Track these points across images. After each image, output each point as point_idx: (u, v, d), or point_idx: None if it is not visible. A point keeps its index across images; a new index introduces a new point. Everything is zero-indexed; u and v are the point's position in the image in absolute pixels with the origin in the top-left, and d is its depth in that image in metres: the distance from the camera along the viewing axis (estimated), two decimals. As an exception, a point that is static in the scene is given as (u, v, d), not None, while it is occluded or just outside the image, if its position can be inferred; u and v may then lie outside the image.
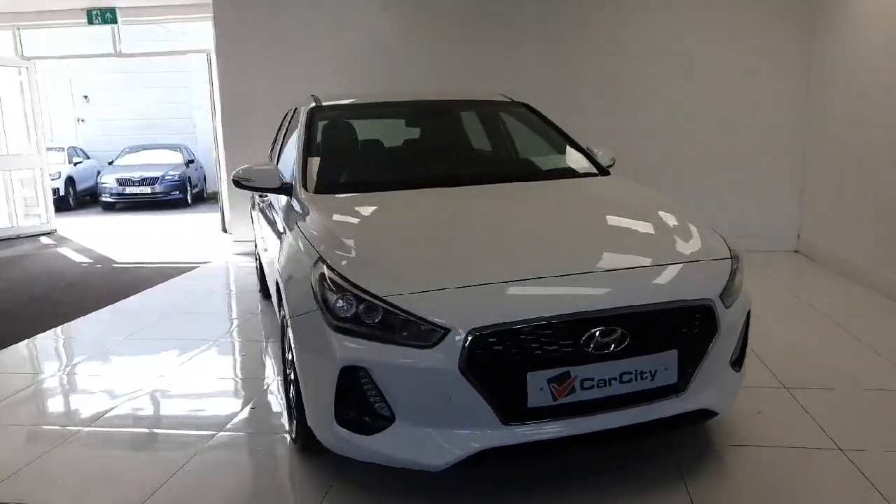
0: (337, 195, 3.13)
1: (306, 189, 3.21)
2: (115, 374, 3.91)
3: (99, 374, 3.92)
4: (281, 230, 3.39)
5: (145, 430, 3.17)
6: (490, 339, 2.20)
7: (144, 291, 5.86)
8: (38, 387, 3.75)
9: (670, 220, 2.87)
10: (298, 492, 2.64)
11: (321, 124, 3.71)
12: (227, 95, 7.09)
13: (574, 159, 3.68)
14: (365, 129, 3.90)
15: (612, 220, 2.85)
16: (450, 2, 6.66)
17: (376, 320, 2.29)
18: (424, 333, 2.23)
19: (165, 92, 18.55)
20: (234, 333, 4.59)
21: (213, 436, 3.05)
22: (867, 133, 5.32)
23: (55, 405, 3.58)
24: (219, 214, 9.61)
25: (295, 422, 2.77)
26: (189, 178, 15.72)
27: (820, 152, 6.20)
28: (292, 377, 2.84)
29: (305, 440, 2.75)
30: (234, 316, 5.08)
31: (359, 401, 2.34)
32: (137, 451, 2.99)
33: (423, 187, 3.23)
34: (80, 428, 3.18)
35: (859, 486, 2.50)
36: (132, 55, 9.42)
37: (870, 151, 5.29)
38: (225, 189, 8.92)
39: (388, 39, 6.79)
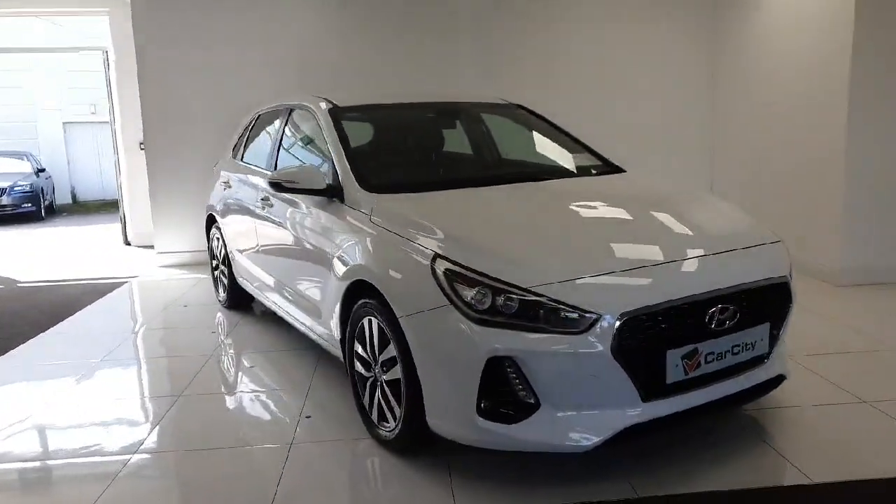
0: (401, 194, 3.12)
1: (366, 189, 3.17)
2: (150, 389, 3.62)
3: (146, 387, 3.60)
4: (321, 232, 3.32)
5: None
6: (637, 322, 2.35)
7: (84, 310, 5.37)
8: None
9: (725, 208, 3.16)
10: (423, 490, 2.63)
11: (345, 125, 3.65)
12: (149, 99, 6.63)
13: (588, 158, 3.89)
14: (388, 131, 3.88)
15: (679, 210, 3.09)
16: (383, 3, 6.68)
17: (518, 310, 2.36)
18: (573, 320, 2.33)
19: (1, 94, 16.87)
20: (231, 345, 4.36)
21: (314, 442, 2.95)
22: (770, 135, 6.04)
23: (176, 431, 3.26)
24: (116, 226, 8.93)
25: (399, 423, 2.74)
26: (42, 188, 14.40)
27: (727, 153, 6.90)
28: (381, 378, 2.82)
29: (409, 441, 2.75)
30: (216, 330, 4.81)
31: (503, 391, 2.40)
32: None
33: (472, 186, 3.30)
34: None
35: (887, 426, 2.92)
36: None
37: (772, 152, 6.01)
38: (128, 200, 8.34)
39: (323, 40, 6.69)
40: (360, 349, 3.00)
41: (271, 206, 3.99)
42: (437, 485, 2.62)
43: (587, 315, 2.33)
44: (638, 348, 2.36)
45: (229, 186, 4.86)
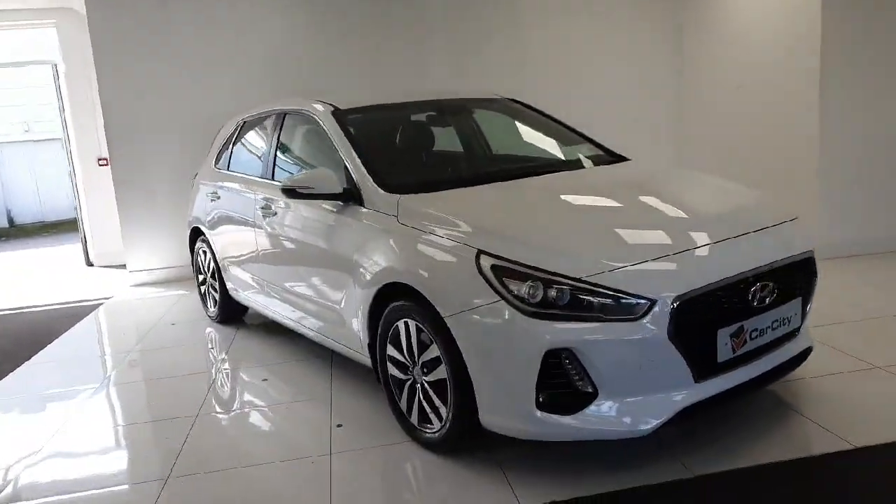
0: (425, 194, 3.09)
1: (387, 191, 3.13)
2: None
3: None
4: (338, 238, 3.28)
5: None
6: (690, 305, 2.39)
7: (65, 335, 5.15)
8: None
9: (743, 190, 3.24)
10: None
11: (352, 128, 3.59)
12: (111, 111, 6.39)
13: (590, 148, 3.94)
14: (394, 131, 3.84)
15: (704, 193, 3.15)
16: (348, 4, 6.61)
17: (572, 301, 2.37)
18: (629, 307, 2.36)
19: None
20: (235, 360, 4.25)
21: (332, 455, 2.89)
22: (740, 120, 6.24)
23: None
24: (67, 247, 8.60)
25: (447, 423, 2.72)
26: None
27: (697, 139, 7.09)
28: (422, 380, 2.80)
29: (456, 440, 2.74)
30: (213, 346, 4.67)
31: (559, 382, 2.41)
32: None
33: (492, 181, 3.30)
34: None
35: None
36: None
37: (743, 137, 6.21)
38: (88, 219, 8.03)
39: (292, 45, 6.57)
40: (394, 352, 2.97)
41: (273, 214, 3.90)
42: (493, 480, 2.61)
43: (642, 301, 2.35)
44: (691, 330, 2.41)
45: (217, 197, 4.73)
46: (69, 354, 4.71)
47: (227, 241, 4.60)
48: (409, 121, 4.00)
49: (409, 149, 3.78)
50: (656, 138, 7.31)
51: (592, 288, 2.37)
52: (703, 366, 2.46)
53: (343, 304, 3.32)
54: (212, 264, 4.95)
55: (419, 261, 2.77)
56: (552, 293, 2.39)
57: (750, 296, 2.55)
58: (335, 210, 3.36)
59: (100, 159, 7.90)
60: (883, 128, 5.47)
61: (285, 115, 4.18)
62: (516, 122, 4.11)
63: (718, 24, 6.49)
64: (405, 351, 2.89)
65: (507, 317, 2.42)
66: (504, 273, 2.46)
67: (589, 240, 2.61)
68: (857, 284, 4.76)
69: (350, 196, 3.27)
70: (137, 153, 6.48)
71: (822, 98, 5.30)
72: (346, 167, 3.37)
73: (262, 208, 4.01)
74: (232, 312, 5.00)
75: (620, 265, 2.43)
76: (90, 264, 8.20)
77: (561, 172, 3.50)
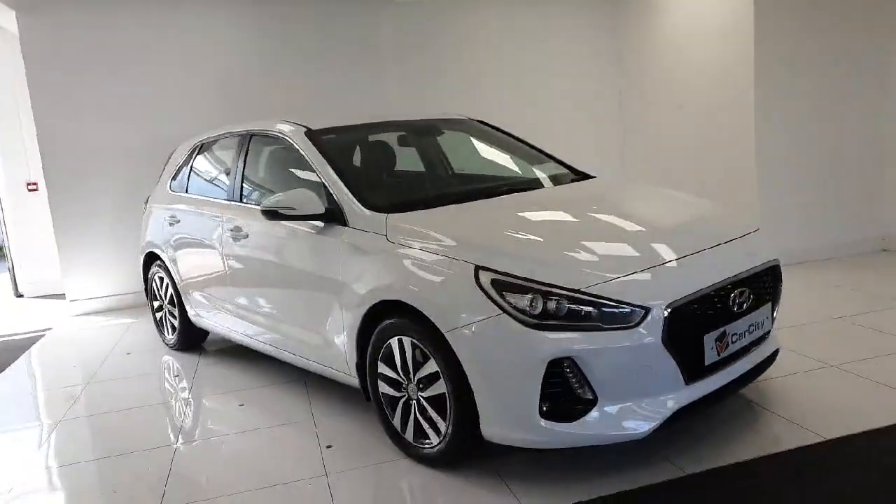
0: (412, 212, 3.14)
1: (373, 210, 3.17)
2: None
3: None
4: (320, 258, 3.29)
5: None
6: (681, 311, 2.54)
7: (9, 370, 4.90)
8: None
9: (709, 204, 3.45)
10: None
11: (327, 149, 3.62)
12: (47, 133, 6.14)
13: (558, 167, 4.08)
14: (366, 151, 3.89)
15: (675, 208, 3.33)
16: (301, 30, 6.61)
17: (571, 312, 2.47)
18: (625, 315, 2.48)
19: None
20: (204, 386, 4.15)
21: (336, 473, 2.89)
22: (679, 133, 6.60)
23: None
24: (1, 276, 8.16)
25: (446, 437, 2.77)
26: None
27: (638, 151, 7.41)
28: (417, 396, 2.84)
29: (455, 454, 2.79)
30: (178, 374, 4.54)
31: (560, 390, 2.50)
32: None
33: (472, 199, 3.38)
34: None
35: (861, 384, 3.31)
36: None
37: (683, 149, 6.56)
38: (16, 247, 7.66)
39: (238, 69, 6.51)
40: (386, 370, 3.00)
41: (245, 236, 3.86)
42: (496, 490, 2.67)
43: (638, 309, 2.48)
44: (681, 335, 2.55)
45: (176, 221, 4.64)
46: (16, 390, 4.48)
47: (190, 266, 4.51)
48: (381, 142, 4.05)
49: (384, 169, 3.83)
50: (602, 157, 7.59)
51: (592, 299, 2.48)
52: (693, 369, 2.61)
53: (327, 324, 3.32)
54: (170, 290, 4.83)
55: (415, 278, 2.82)
56: (551, 305, 2.49)
57: (730, 302, 2.72)
58: (315, 231, 3.36)
59: (29, 184, 7.58)
60: (816, 142, 5.89)
61: (251, 136, 4.16)
62: (483, 143, 4.22)
63: (657, 45, 6.84)
64: (399, 368, 2.93)
65: (509, 329, 2.50)
66: (504, 287, 2.55)
67: (579, 253, 2.71)
68: (801, 289, 5.07)
69: (332, 216, 3.28)
70: (77, 177, 6.25)
71: (756, 115, 5.67)
72: (325, 187, 3.38)
73: (232, 230, 3.96)
74: (192, 339, 4.89)
75: (614, 276, 2.56)
76: (20, 295, 7.80)
77: (538, 190, 3.62)
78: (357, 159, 3.82)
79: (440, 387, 2.74)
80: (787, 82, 5.72)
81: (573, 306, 2.48)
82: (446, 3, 6.95)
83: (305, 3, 6.59)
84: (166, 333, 5.03)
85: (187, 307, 4.67)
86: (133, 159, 6.30)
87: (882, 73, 5.97)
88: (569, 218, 3.19)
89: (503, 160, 4.09)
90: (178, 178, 4.91)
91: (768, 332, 3.02)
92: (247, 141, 4.18)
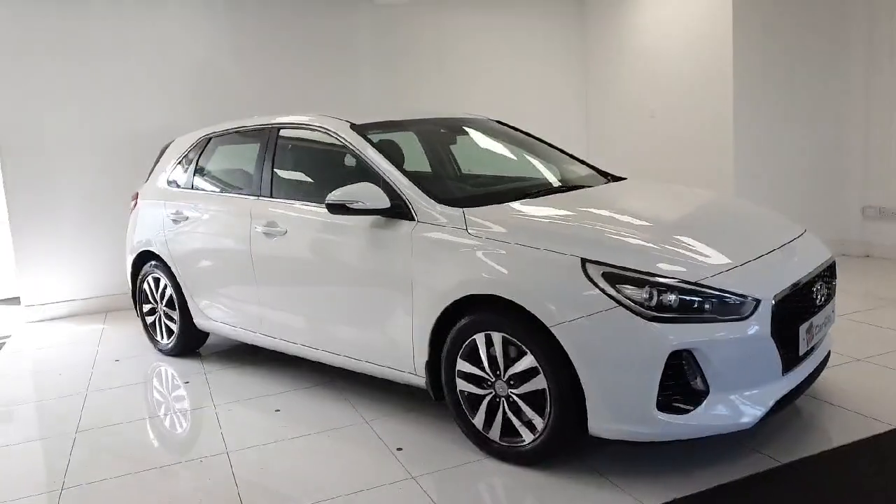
0: (487, 206, 3.09)
1: (445, 204, 3.10)
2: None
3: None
4: (384, 254, 3.18)
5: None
6: (784, 303, 2.63)
7: (-16, 380, 4.46)
8: None
9: (754, 205, 3.57)
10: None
11: (374, 144, 3.52)
12: (4, 127, 5.65)
13: (581, 166, 4.12)
14: (410, 146, 3.80)
15: (734, 205, 3.44)
16: (277, 26, 6.40)
17: (685, 304, 2.50)
18: (738, 307, 2.53)
19: None
20: (225, 393, 3.91)
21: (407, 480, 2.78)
22: (648, 138, 6.84)
23: None
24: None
25: (543, 433, 2.72)
26: None
27: (605, 157, 7.61)
28: (507, 393, 2.79)
29: (551, 451, 2.76)
30: (187, 380, 4.25)
31: (675, 383, 2.52)
32: None
33: (530, 196, 3.35)
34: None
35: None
36: None
37: (653, 158, 6.80)
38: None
39: (212, 64, 6.22)
40: (468, 367, 2.92)
41: (282, 233, 3.68)
42: (601, 486, 2.66)
43: (750, 301, 2.54)
44: (784, 326, 2.63)
45: (184, 218, 4.36)
46: (8, 400, 4.08)
47: (201, 265, 4.25)
48: (423, 137, 3.97)
49: (436, 164, 3.75)
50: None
51: (709, 291, 2.52)
52: (789, 359, 2.69)
53: (388, 322, 3.21)
54: (168, 292, 4.54)
55: (512, 272, 2.76)
56: (667, 297, 2.51)
57: (813, 294, 2.84)
58: (374, 226, 3.25)
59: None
60: (793, 152, 6.22)
61: (279, 130, 3.98)
62: (505, 143, 4.20)
63: (625, 55, 7.04)
64: (485, 365, 2.86)
65: (626, 322, 2.50)
66: (617, 280, 2.54)
67: (678, 246, 2.74)
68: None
69: (397, 211, 3.19)
70: (38, 174, 5.79)
71: (735, 125, 5.94)
72: (386, 182, 3.28)
73: (265, 226, 3.76)
74: (191, 344, 4.62)
75: (724, 269, 2.61)
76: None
77: (590, 188, 3.64)
78: (406, 154, 3.72)
79: (538, 383, 2.70)
80: (762, 91, 6.02)
81: (688, 298, 2.51)
82: (423, 5, 6.91)
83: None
84: (161, 338, 4.71)
85: (192, 309, 4.40)
86: (102, 156, 5.90)
87: (845, 82, 6.33)
88: (642, 214, 3.23)
89: (532, 159, 4.07)
90: (180, 173, 4.62)
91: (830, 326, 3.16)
92: (273, 135, 3.99)
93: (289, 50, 6.44)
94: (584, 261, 2.61)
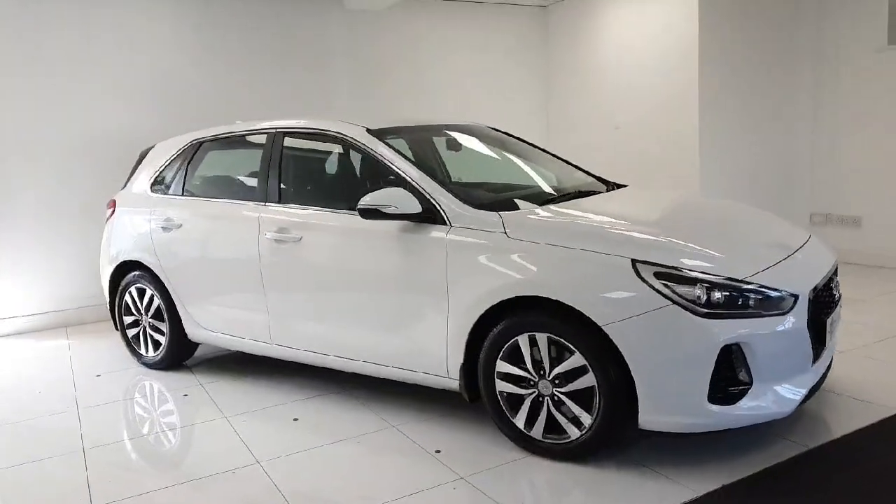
0: (516, 211, 3.16)
1: (479, 208, 3.14)
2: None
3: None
4: (416, 259, 3.19)
5: None
6: (817, 296, 2.82)
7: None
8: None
9: (759, 210, 3.79)
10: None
11: (395, 149, 3.53)
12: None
13: (586, 175, 4.26)
14: (425, 151, 3.82)
15: (747, 210, 3.63)
16: (247, 29, 6.27)
17: (732, 300, 2.65)
18: (779, 302, 2.70)
19: None
20: (233, 405, 3.79)
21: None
22: (605, 153, 7.10)
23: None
24: None
25: (590, 430, 2.80)
26: None
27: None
28: (552, 392, 2.86)
29: (596, 447, 2.84)
30: (186, 393, 4.08)
31: (724, 375, 2.66)
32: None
33: (555, 202, 3.44)
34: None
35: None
36: None
37: (617, 169, 7.05)
38: None
39: (179, 68, 6.02)
40: (509, 368, 2.97)
41: (296, 239, 3.62)
42: (649, 477, 2.75)
43: (790, 296, 2.71)
44: (815, 319, 2.82)
45: (176, 226, 4.20)
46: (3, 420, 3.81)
47: (198, 274, 4.11)
48: (435, 143, 4.00)
49: (457, 169, 3.79)
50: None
51: (755, 287, 2.67)
52: (817, 351, 2.88)
53: (419, 326, 3.22)
54: (155, 302, 4.36)
55: (561, 274, 2.83)
56: (716, 295, 2.64)
57: (832, 290, 3.05)
58: (403, 231, 3.25)
59: None
60: (750, 162, 6.58)
61: (284, 135, 3.92)
62: (503, 149, 4.28)
63: (588, 71, 7.29)
64: (529, 365, 2.92)
65: (680, 320, 2.61)
66: (669, 279, 2.66)
67: (714, 246, 2.88)
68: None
69: (427, 216, 3.20)
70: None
71: (700, 137, 6.25)
72: (414, 187, 3.29)
73: (277, 232, 3.69)
74: (181, 356, 4.46)
75: (765, 267, 2.77)
76: None
77: (609, 192, 3.76)
78: (428, 159, 3.75)
79: (586, 381, 2.78)
80: (725, 104, 6.36)
81: (734, 295, 2.65)
82: (393, 13, 6.93)
83: (252, 2, 6.26)
84: (146, 351, 4.51)
85: (184, 320, 4.25)
86: (63, 162, 5.61)
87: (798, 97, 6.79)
88: (669, 217, 3.36)
89: (535, 166, 4.17)
90: (167, 179, 4.46)
91: (835, 324, 3.38)
92: (278, 140, 3.92)
93: (256, 55, 6.31)
94: (634, 261, 2.71)
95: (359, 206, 3.20)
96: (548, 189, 3.82)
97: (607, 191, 3.89)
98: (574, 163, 4.39)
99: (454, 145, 4.15)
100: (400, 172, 3.37)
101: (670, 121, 6.51)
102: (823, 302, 2.93)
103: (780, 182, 6.84)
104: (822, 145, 6.62)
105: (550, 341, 2.85)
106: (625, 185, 4.13)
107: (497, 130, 4.48)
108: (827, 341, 2.95)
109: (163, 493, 2.85)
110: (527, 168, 4.20)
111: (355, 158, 3.96)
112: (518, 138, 4.46)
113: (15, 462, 3.24)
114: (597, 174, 4.28)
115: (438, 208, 3.20)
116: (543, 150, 4.42)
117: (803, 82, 6.69)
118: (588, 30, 7.22)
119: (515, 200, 3.30)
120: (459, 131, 4.30)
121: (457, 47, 7.33)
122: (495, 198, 3.32)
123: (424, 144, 4.17)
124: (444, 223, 3.17)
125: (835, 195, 6.60)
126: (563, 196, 3.58)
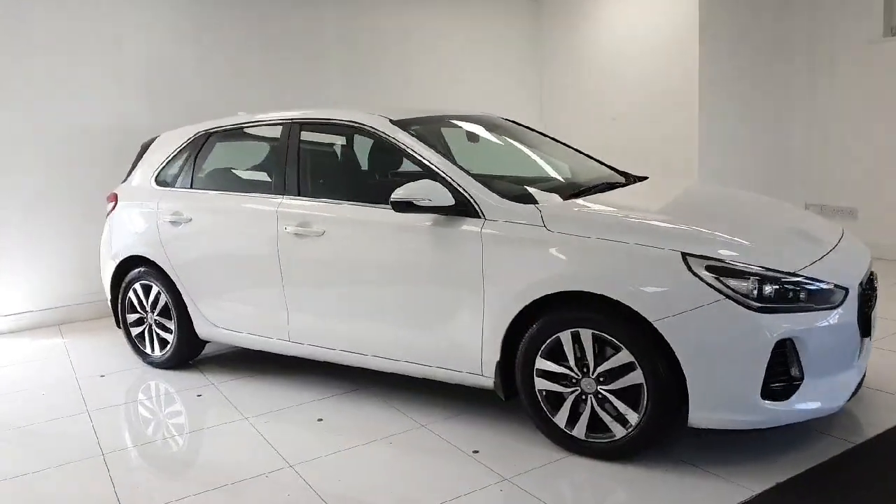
0: (557, 203, 3.09)
1: (515, 201, 3.06)
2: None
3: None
4: (451, 254, 3.10)
5: None
6: (863, 290, 2.78)
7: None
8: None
9: (791, 204, 3.75)
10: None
11: (423, 140, 3.42)
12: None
13: (605, 168, 4.19)
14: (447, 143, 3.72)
15: (776, 203, 3.59)
16: (236, 19, 6.08)
17: (783, 293, 2.59)
18: (830, 295, 2.66)
19: None
20: (253, 405, 3.66)
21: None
22: (602, 143, 7.03)
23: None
24: None
25: (636, 428, 2.73)
26: None
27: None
28: (597, 389, 2.80)
29: (644, 444, 2.78)
30: (200, 393, 3.94)
31: (777, 370, 2.61)
32: None
33: (587, 194, 3.37)
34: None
35: None
36: None
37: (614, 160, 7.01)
38: None
39: (171, 57, 5.82)
40: (549, 366, 2.89)
41: (319, 234, 3.50)
42: (701, 476, 2.70)
43: (841, 290, 2.67)
44: (862, 313, 2.78)
45: (186, 220, 4.04)
46: (17, 425, 3.64)
47: (211, 270, 3.95)
48: (451, 134, 3.91)
49: (485, 160, 3.69)
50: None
51: (807, 281, 2.62)
52: (863, 345, 2.85)
53: (454, 322, 3.13)
54: (162, 299, 4.21)
55: (604, 268, 2.75)
56: (768, 288, 2.59)
57: (873, 284, 3.02)
58: (435, 224, 3.15)
59: None
60: (747, 153, 6.58)
61: (301, 126, 3.78)
62: (520, 141, 4.20)
63: (583, 61, 7.22)
64: (572, 362, 2.84)
65: (734, 314, 2.55)
66: (721, 272, 2.60)
67: (758, 240, 2.83)
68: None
69: (461, 209, 3.11)
70: (-16, 172, 5.20)
71: (700, 128, 6.23)
72: (444, 179, 3.18)
73: (299, 226, 3.56)
74: (188, 355, 4.31)
75: (813, 261, 2.73)
76: None
77: (638, 184, 3.69)
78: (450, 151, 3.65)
79: (634, 378, 2.71)
80: (724, 96, 6.35)
81: (786, 288, 2.60)
82: (386, 2, 6.80)
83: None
84: (151, 350, 4.35)
85: (194, 317, 4.10)
86: (47, 153, 5.37)
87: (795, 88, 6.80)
88: (708, 210, 3.31)
89: (553, 158, 4.09)
90: (174, 172, 4.30)
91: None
92: (294, 130, 3.78)
93: (249, 44, 6.12)
94: (684, 255, 2.65)
95: (392, 199, 3.09)
96: (575, 181, 3.74)
97: (628, 183, 3.82)
98: (594, 156, 4.31)
99: (472, 137, 4.05)
100: (430, 164, 3.26)
101: (667, 111, 6.48)
102: (867, 295, 2.89)
103: (776, 172, 6.85)
104: (818, 136, 6.64)
105: (594, 337, 2.78)
106: (645, 178, 4.07)
107: (512, 122, 4.39)
108: (873, 334, 2.92)
109: (197, 500, 2.72)
110: (546, 160, 4.11)
111: (376, 150, 3.84)
112: (534, 130, 4.37)
113: (31, 469, 3.07)
114: (615, 166, 4.22)
115: (472, 201, 3.10)
116: (561, 142, 4.34)
117: (799, 73, 6.70)
118: (583, 17, 7.15)
119: (547, 193, 3.22)
120: (474, 122, 4.20)
121: (448, 34, 7.20)
122: (526, 191, 3.22)
123: (438, 136, 4.06)
124: (478, 216, 3.07)
125: (830, 186, 6.63)
126: (590, 188, 3.50)
